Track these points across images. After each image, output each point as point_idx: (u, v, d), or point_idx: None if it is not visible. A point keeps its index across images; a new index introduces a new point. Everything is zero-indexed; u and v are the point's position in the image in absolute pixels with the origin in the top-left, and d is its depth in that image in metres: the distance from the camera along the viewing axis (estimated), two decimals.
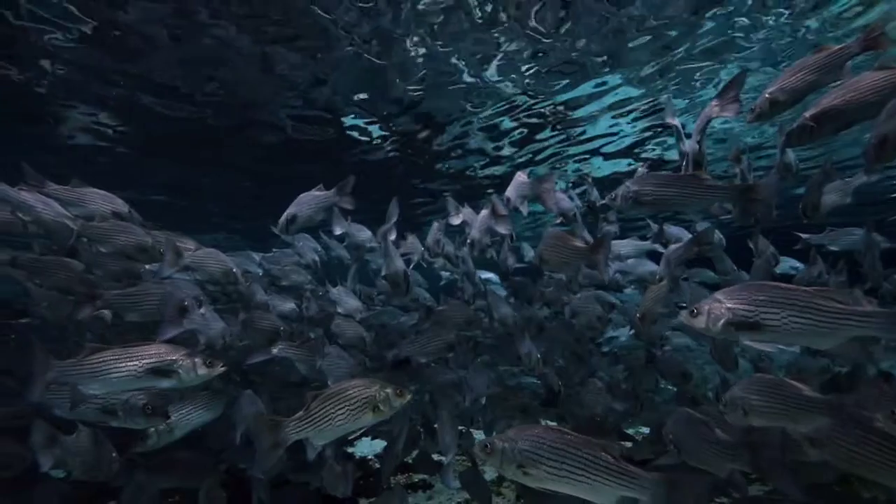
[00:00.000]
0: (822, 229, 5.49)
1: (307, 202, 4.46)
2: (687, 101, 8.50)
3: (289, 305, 5.26)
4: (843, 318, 2.43)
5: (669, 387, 6.31)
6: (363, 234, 5.37)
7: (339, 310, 5.18)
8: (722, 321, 2.55)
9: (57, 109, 7.67)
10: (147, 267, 4.43)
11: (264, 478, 4.55)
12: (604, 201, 3.86)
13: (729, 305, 2.56)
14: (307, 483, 5.25)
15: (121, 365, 2.94)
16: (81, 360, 2.96)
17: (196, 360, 3.01)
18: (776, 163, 4.54)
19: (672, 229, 5.85)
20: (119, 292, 3.84)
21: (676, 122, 4.10)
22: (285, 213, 4.40)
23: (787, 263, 6.02)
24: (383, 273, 4.54)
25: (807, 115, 3.04)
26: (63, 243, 3.89)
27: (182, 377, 2.99)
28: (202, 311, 3.73)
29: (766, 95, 3.20)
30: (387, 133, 9.23)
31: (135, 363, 2.95)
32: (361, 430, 3.28)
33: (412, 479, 6.96)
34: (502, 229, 4.54)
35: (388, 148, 9.90)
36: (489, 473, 6.21)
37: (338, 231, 5.25)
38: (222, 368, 3.10)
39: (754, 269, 4.82)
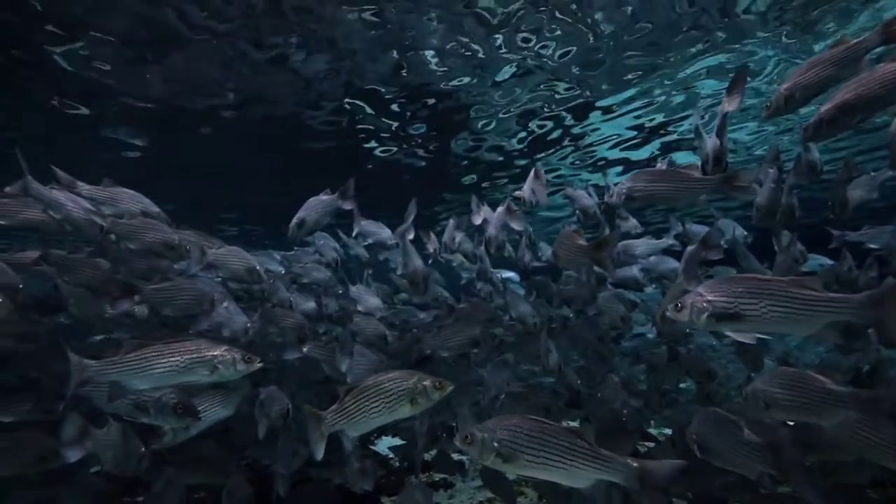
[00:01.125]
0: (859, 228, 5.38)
1: (314, 206, 4.60)
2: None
3: (310, 304, 5.33)
4: (816, 304, 2.56)
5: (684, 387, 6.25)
6: (383, 232, 5.45)
7: (360, 308, 5.24)
8: (704, 314, 2.68)
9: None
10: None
11: (287, 473, 4.64)
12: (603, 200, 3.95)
13: (710, 298, 2.69)
14: (328, 480, 5.34)
15: (163, 361, 3.00)
16: (123, 357, 3.02)
17: (236, 355, 3.06)
18: (801, 160, 4.52)
19: (694, 227, 5.80)
20: (155, 287, 4.01)
21: (696, 120, 4.09)
22: (294, 218, 4.55)
23: (816, 261, 5.91)
24: (400, 272, 4.59)
25: (822, 110, 3.01)
26: (91, 240, 4.01)
27: (222, 372, 3.04)
28: (226, 305, 3.86)
29: (782, 91, 3.17)
30: (412, 133, 9.30)
31: (176, 358, 3.00)
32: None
33: (433, 478, 7.02)
34: (516, 226, 4.57)
35: (411, 148, 9.98)
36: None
37: (357, 230, 5.36)
38: (260, 364, 3.14)
39: (776, 266, 4.75)
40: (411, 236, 4.48)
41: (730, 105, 3.42)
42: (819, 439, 3.15)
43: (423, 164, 10.67)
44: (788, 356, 5.41)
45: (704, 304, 2.69)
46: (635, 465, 2.48)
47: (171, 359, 3.00)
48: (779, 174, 4.39)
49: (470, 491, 6.74)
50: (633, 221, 5.39)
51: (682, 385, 5.88)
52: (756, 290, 2.61)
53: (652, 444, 5.76)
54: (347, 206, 4.67)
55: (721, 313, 2.66)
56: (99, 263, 4.34)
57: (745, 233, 5.51)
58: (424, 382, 2.87)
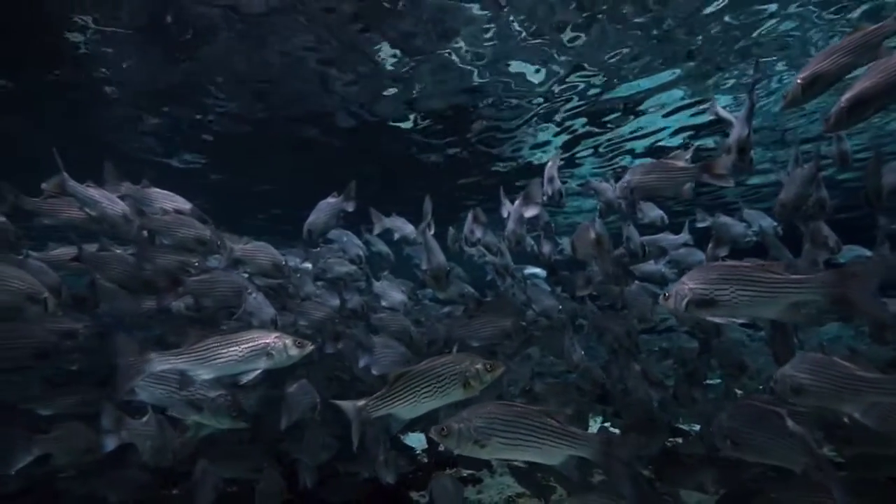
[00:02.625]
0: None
1: (323, 209, 4.96)
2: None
3: (335, 301, 5.46)
4: (780, 286, 2.72)
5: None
6: (407, 227, 5.58)
7: (384, 303, 5.36)
8: (685, 300, 2.86)
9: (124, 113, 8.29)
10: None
11: (312, 465, 4.75)
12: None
13: (690, 286, 2.86)
14: (357, 473, 5.46)
15: (223, 351, 3.15)
16: (188, 349, 3.17)
17: (287, 341, 3.18)
18: (834, 151, 4.53)
19: (722, 218, 5.74)
20: (196, 279, 4.24)
21: (723, 112, 4.08)
22: (306, 223, 4.90)
23: (854, 252, 5.77)
24: (425, 267, 4.68)
25: (843, 98, 2.98)
26: (125, 236, 4.23)
27: (276, 358, 3.16)
28: (255, 296, 4.03)
29: (798, 80, 3.14)
30: (440, 127, 9.40)
31: (235, 348, 3.15)
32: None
33: (460, 474, 7.09)
34: (529, 213, 4.63)
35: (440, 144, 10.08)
36: None
37: (378, 229, 5.55)
38: (311, 348, 3.26)
39: (803, 256, 4.72)
40: (431, 232, 4.56)
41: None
42: (864, 432, 3.11)
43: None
44: (823, 349, 5.28)
45: (686, 292, 2.86)
46: (599, 439, 2.71)
47: (231, 349, 3.15)
48: (808, 170, 4.32)
49: (498, 486, 6.79)
50: (658, 212, 5.37)
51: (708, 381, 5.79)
52: (728, 276, 2.79)
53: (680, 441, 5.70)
54: (349, 207, 4.98)
55: (700, 300, 2.83)
56: (131, 260, 4.53)
57: (776, 223, 5.41)
58: (477, 365, 2.91)
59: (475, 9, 5.94)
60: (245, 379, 3.23)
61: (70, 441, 4.03)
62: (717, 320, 2.94)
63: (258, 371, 3.20)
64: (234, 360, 3.15)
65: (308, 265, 5.87)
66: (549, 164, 4.98)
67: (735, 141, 3.65)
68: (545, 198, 4.95)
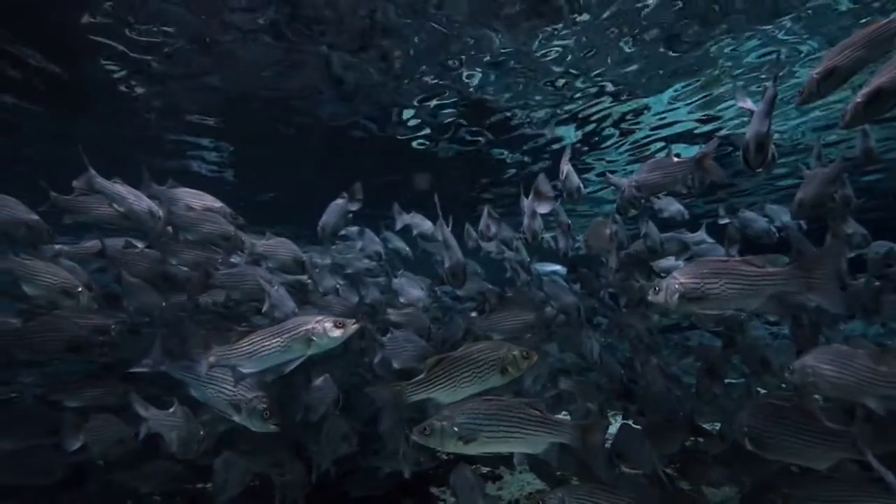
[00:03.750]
0: None
1: (332, 210, 5.25)
2: None
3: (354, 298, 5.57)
4: (760, 279, 2.89)
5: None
6: (425, 224, 5.68)
7: (402, 299, 5.44)
8: (676, 295, 2.98)
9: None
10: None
11: (333, 458, 4.84)
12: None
13: (682, 280, 2.99)
14: (378, 468, 5.55)
15: (268, 343, 3.20)
16: (237, 344, 3.27)
17: (326, 325, 3.16)
18: (860, 147, 4.47)
19: (747, 214, 5.70)
20: (225, 272, 4.44)
21: (750, 104, 4.06)
22: (319, 223, 5.21)
23: (885, 247, 5.67)
24: (446, 265, 4.73)
25: (860, 94, 2.98)
26: (151, 232, 4.38)
27: (318, 343, 3.16)
28: (276, 289, 4.16)
29: (814, 76, 3.12)
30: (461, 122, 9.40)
31: (278, 339, 3.19)
32: None
33: (479, 471, 7.12)
34: (543, 209, 4.66)
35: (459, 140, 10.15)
36: None
37: (399, 226, 5.65)
38: (354, 327, 3.26)
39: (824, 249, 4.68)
40: (448, 229, 4.61)
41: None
42: None
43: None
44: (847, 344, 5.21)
45: (677, 287, 2.98)
46: (576, 425, 2.90)
47: (273, 341, 3.20)
48: (830, 170, 4.28)
49: (519, 482, 6.82)
50: (677, 206, 5.35)
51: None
52: (717, 271, 2.94)
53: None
54: (353, 207, 5.25)
55: (691, 294, 2.96)
56: (154, 256, 4.72)
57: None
58: (514, 352, 2.98)
59: None
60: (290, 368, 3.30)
61: (104, 432, 4.21)
62: (706, 313, 3.17)
63: (303, 358, 3.23)
64: (276, 351, 3.19)
65: (328, 260, 6.03)
66: (563, 159, 4.99)
67: (753, 136, 3.56)
68: (563, 195, 4.98)
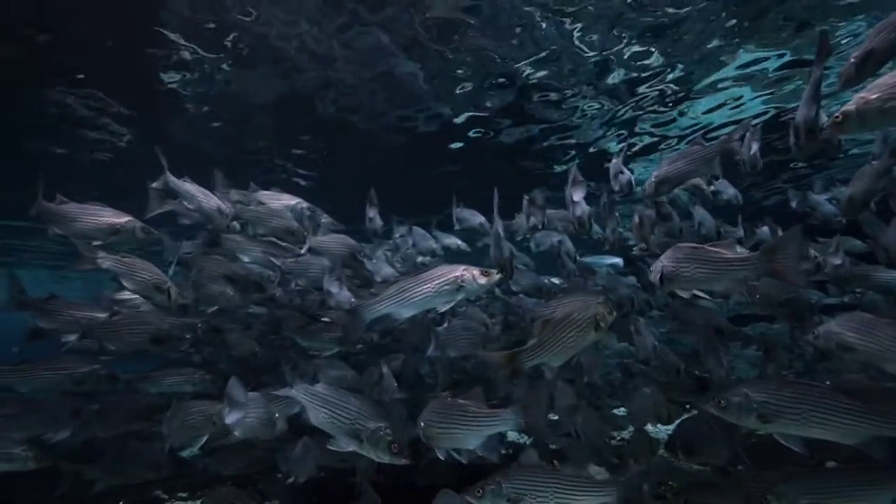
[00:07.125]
0: None
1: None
2: None
3: None
4: (728, 263, 3.20)
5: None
6: (475, 219, 5.96)
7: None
8: (657, 275, 3.40)
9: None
10: None
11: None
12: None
13: (664, 263, 3.40)
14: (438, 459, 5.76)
15: (419, 289, 3.38)
16: (387, 294, 3.48)
17: (475, 272, 3.36)
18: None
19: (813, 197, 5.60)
20: (292, 260, 4.95)
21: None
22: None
23: None
24: (494, 259, 4.93)
25: (852, 58, 3.01)
26: (220, 228, 4.82)
27: (467, 288, 3.35)
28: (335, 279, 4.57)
29: (852, 59, 3.07)
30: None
31: (427, 286, 3.37)
32: None
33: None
34: (577, 196, 4.78)
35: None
36: None
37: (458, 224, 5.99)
38: (498, 277, 3.46)
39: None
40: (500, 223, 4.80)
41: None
42: None
43: None
44: None
45: (659, 268, 3.39)
46: (515, 411, 3.28)
47: (424, 287, 3.38)
48: (880, 164, 4.14)
49: None
50: (732, 190, 5.38)
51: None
52: (690, 255, 3.30)
53: None
54: (371, 212, 5.73)
55: (668, 276, 3.36)
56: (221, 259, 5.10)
57: None
58: (601, 308, 3.12)
59: None
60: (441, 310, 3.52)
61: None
62: (681, 294, 3.39)
63: (453, 303, 3.42)
64: (427, 297, 3.37)
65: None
66: (615, 159, 5.13)
67: (802, 122, 3.49)
68: (617, 190, 5.09)
